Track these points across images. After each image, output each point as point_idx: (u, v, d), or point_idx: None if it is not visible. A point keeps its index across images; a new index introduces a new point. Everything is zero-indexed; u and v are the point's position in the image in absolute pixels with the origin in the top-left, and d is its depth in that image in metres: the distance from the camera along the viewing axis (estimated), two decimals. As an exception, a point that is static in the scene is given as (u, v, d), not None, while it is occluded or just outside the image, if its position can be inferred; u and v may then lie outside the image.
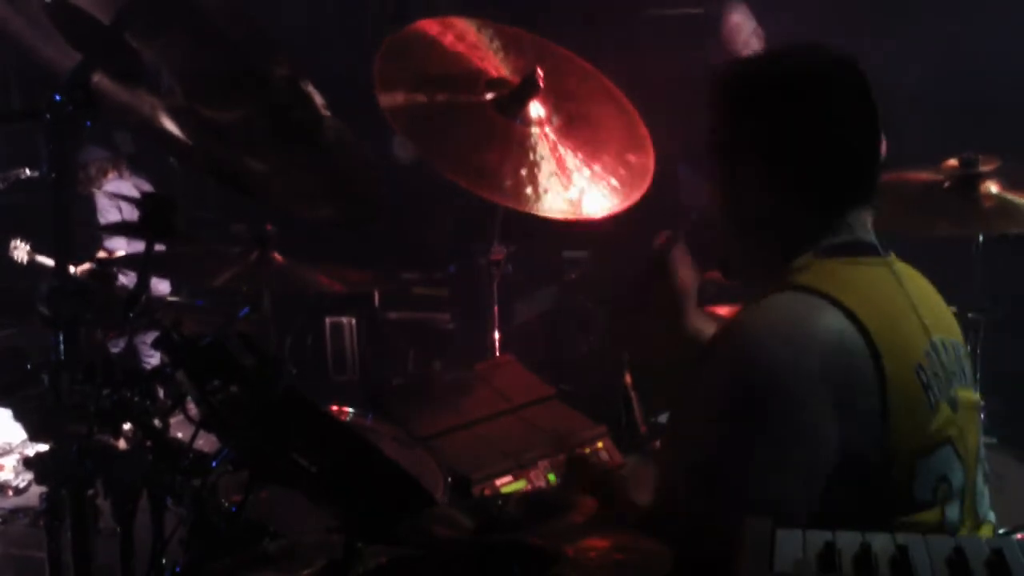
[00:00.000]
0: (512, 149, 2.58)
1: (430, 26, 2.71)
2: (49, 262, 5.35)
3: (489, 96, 2.66)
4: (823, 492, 1.36)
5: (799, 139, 1.48)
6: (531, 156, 2.59)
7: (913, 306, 1.49)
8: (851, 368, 1.37)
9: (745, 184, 1.52)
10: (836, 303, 1.40)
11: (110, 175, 5.50)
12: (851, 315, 1.39)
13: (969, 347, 1.64)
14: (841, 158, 1.49)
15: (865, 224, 1.54)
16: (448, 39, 2.71)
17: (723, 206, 1.57)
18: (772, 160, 1.49)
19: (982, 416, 1.62)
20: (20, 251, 5.37)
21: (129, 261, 4.41)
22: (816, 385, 1.36)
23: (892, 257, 1.56)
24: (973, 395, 1.56)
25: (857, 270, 1.49)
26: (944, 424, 1.44)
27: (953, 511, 1.46)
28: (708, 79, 1.58)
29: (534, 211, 2.50)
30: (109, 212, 5.41)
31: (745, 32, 4.17)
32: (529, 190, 2.52)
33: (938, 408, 1.43)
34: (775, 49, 1.59)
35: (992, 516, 1.60)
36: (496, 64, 2.74)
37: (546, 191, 2.54)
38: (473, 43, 2.75)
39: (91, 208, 5.44)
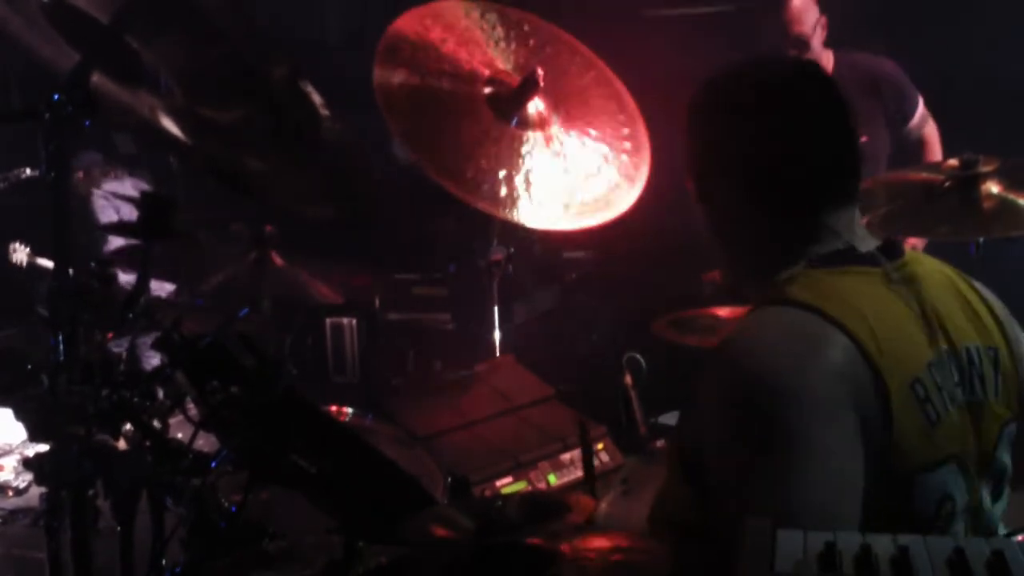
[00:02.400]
0: (509, 155, 2.57)
1: (430, 16, 2.69)
2: (49, 264, 5.31)
3: (488, 91, 2.64)
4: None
5: (758, 148, 1.48)
6: (527, 161, 2.58)
7: (918, 315, 1.44)
8: (856, 381, 1.34)
9: (718, 194, 1.53)
10: (822, 314, 1.36)
11: (107, 178, 5.45)
12: (842, 327, 1.35)
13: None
14: (804, 162, 1.48)
15: (853, 227, 1.50)
16: (449, 29, 2.67)
17: (704, 215, 1.57)
18: (737, 170, 1.50)
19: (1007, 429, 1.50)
20: (20, 253, 5.34)
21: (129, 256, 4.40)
22: (833, 403, 1.32)
23: (903, 259, 1.50)
24: (995, 406, 1.49)
25: (844, 280, 1.44)
26: (947, 440, 1.40)
27: (958, 530, 1.42)
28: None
29: (527, 222, 2.50)
30: (106, 214, 5.37)
31: (810, 16, 3.91)
32: (524, 199, 2.51)
33: (940, 423, 1.39)
34: (739, 62, 1.59)
35: (1002, 529, 1.55)
36: (498, 56, 2.72)
37: (541, 200, 2.53)
38: (474, 33, 2.71)
39: (88, 212, 5.38)
